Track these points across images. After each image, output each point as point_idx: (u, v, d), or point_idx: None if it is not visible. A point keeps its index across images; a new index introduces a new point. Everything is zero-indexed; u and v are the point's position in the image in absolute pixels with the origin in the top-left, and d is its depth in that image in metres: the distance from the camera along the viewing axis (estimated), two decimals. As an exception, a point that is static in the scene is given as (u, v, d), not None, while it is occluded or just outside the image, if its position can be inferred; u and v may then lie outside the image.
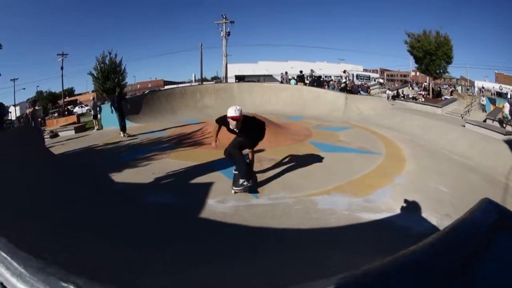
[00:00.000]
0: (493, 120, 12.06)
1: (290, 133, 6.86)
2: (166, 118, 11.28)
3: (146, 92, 15.03)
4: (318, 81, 17.86)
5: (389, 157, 5.77)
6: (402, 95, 26.29)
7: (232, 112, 3.54)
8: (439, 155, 6.34)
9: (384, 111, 11.31)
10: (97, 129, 11.02)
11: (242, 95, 14.00)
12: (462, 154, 6.45)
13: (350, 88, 17.27)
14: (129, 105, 9.31)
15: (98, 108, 11.67)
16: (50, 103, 45.68)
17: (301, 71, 18.29)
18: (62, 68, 34.78)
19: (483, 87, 38.03)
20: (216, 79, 51.14)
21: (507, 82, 41.07)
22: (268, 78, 33.92)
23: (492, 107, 22.75)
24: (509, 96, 33.96)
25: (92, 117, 12.09)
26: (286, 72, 19.20)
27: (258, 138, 3.94)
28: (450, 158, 6.19)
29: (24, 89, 51.68)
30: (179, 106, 13.01)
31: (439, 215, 3.34)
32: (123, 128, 8.73)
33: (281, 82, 19.66)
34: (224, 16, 27.44)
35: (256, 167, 4.43)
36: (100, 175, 4.78)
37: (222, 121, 3.81)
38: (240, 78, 32.82)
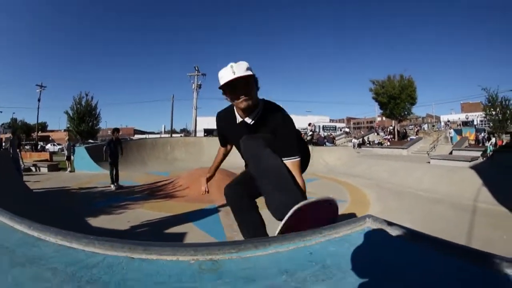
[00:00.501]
0: (482, 156, 12.65)
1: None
2: (136, 168, 11.51)
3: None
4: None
5: (354, 203, 6.09)
6: (368, 142, 27.18)
7: (228, 71, 1.54)
8: (405, 195, 6.72)
9: (350, 160, 11.85)
10: (70, 171, 10.89)
11: (211, 149, 14.25)
12: (427, 189, 6.86)
13: (315, 140, 18.21)
14: (121, 155, 8.04)
15: (72, 149, 11.57)
16: (24, 133, 43.78)
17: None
18: (39, 100, 34.04)
19: (448, 121, 39.23)
20: (185, 131, 51.73)
21: (473, 109, 42.26)
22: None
23: (458, 138, 23.44)
24: (475, 123, 34.48)
25: (65, 158, 11.92)
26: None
27: (298, 144, 1.76)
28: (416, 196, 6.58)
29: (1, 112, 48.08)
30: (149, 158, 13.37)
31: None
32: (115, 178, 7.65)
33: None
34: (196, 68, 27.92)
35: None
36: (77, 218, 4.96)
37: (224, 121, 1.91)
38: (209, 132, 33.25)
